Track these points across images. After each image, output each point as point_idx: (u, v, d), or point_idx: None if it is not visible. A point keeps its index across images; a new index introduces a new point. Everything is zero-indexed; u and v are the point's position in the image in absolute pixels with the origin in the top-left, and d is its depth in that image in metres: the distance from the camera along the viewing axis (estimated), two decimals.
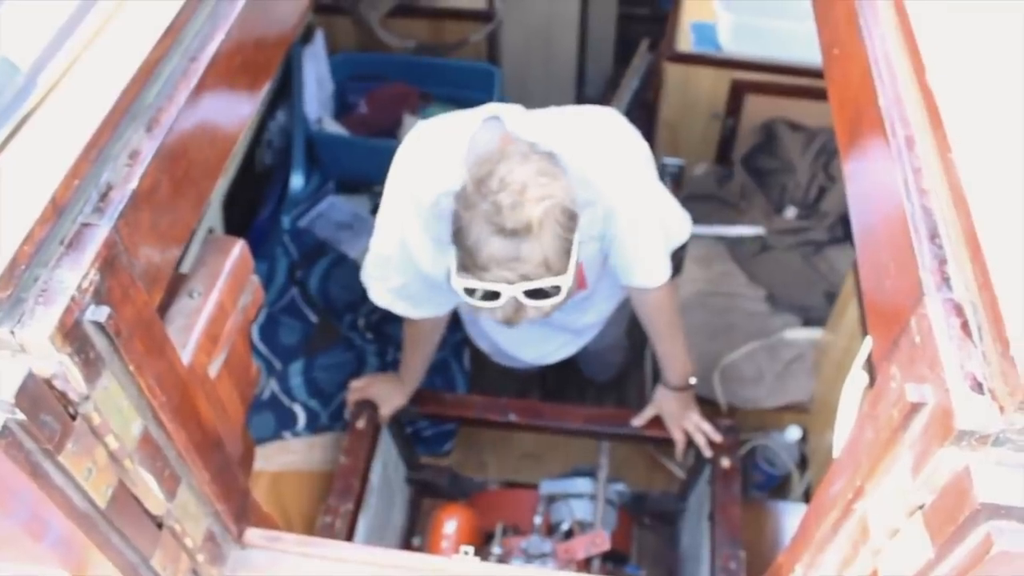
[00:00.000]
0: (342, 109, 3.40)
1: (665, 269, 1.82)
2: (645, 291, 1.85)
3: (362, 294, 2.92)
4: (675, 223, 1.84)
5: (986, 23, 0.91)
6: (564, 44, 3.65)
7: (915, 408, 0.68)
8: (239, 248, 1.14)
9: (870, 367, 1.11)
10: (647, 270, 1.81)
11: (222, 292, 1.10)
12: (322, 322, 2.85)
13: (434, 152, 1.66)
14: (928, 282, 0.72)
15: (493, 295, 1.45)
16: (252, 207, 3.07)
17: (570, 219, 1.45)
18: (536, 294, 1.45)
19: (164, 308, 1.06)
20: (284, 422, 2.53)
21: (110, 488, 0.83)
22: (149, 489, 0.90)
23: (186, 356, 1.01)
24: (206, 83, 1.00)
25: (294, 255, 3.00)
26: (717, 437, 2.03)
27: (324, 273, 2.98)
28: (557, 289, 1.46)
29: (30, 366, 0.72)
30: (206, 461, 1.01)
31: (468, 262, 1.44)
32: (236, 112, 1.10)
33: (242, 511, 1.14)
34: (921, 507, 0.70)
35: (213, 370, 1.08)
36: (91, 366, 0.79)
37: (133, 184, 0.86)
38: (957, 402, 0.64)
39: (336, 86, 3.40)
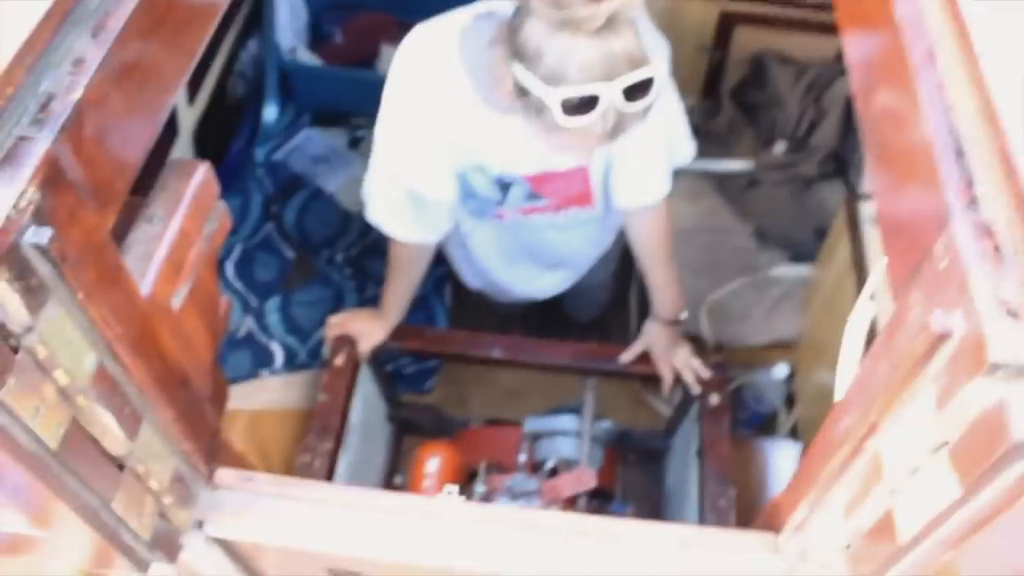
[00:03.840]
0: (317, 39, 3.27)
1: (667, 184, 1.76)
2: (644, 211, 1.79)
3: (340, 228, 2.89)
4: (682, 139, 1.77)
5: None
6: None
7: (941, 338, 0.62)
8: (203, 171, 1.06)
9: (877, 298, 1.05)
10: (650, 184, 1.75)
11: (185, 218, 1.02)
12: (299, 258, 2.78)
13: (430, 49, 1.60)
14: (954, 203, 0.66)
15: (590, 104, 1.33)
16: (224, 140, 2.97)
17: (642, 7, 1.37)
18: (633, 93, 1.33)
19: (122, 236, 0.99)
20: (261, 360, 2.47)
21: (61, 427, 0.76)
22: (107, 428, 0.84)
23: (146, 286, 0.93)
24: None
25: (269, 189, 2.91)
26: (706, 374, 1.99)
27: (300, 207, 2.89)
28: (651, 83, 1.34)
29: None
30: (171, 398, 0.94)
31: (556, 76, 1.33)
32: (196, 22, 1.01)
33: (212, 450, 1.08)
34: (946, 444, 0.64)
35: (177, 301, 1.01)
36: (33, 294, 0.71)
37: (77, 94, 0.77)
38: (990, 331, 0.58)
39: (311, 15, 3.27)
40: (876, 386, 0.74)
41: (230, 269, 2.68)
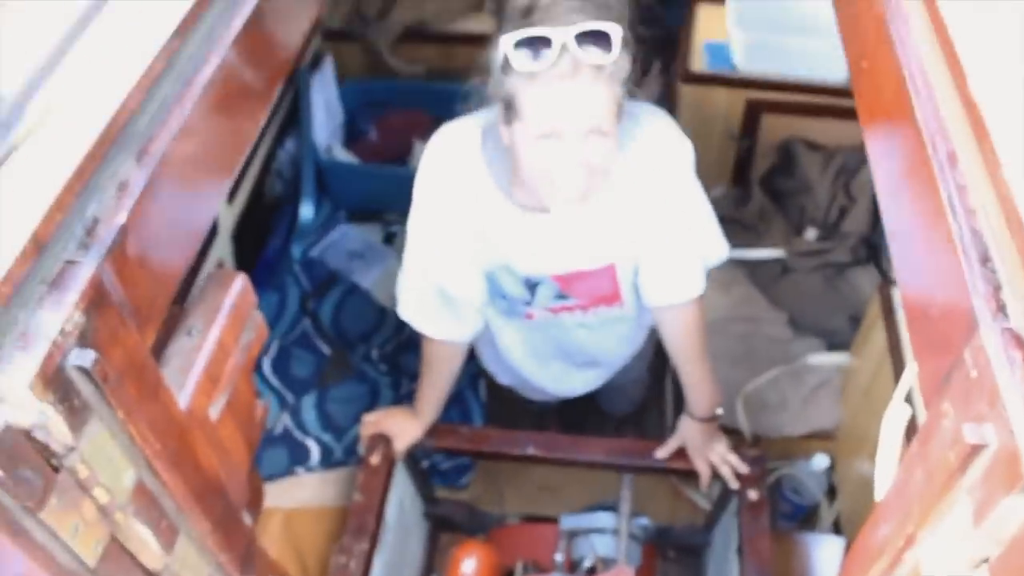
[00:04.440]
0: (352, 137, 3.36)
1: (699, 283, 1.77)
2: (674, 308, 1.80)
3: (375, 324, 2.91)
4: (712, 239, 1.78)
5: None
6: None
7: (975, 451, 0.62)
8: (240, 282, 1.09)
9: (909, 399, 1.04)
10: (681, 283, 1.76)
11: (223, 329, 1.04)
12: (335, 354, 2.80)
13: (455, 147, 1.66)
14: (982, 310, 0.66)
15: (543, 43, 1.39)
16: (262, 238, 3.03)
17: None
18: (590, 41, 1.38)
19: (161, 347, 1.01)
20: (297, 457, 2.48)
21: (100, 544, 0.77)
22: (144, 542, 0.85)
23: (184, 399, 0.95)
24: (201, 109, 0.95)
25: (306, 286, 2.96)
26: (744, 468, 1.96)
27: (337, 304, 2.93)
28: (609, 39, 1.38)
29: (7, 417, 0.67)
30: (207, 509, 0.95)
31: (516, 19, 1.42)
32: (235, 139, 1.05)
33: (247, 560, 1.08)
34: (986, 560, 0.63)
35: (214, 412, 1.03)
36: (76, 415, 0.73)
37: (121, 218, 0.81)
38: None
39: (346, 114, 3.37)
40: (912, 496, 0.73)
41: (267, 366, 2.70)
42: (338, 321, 2.88)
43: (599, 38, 1.39)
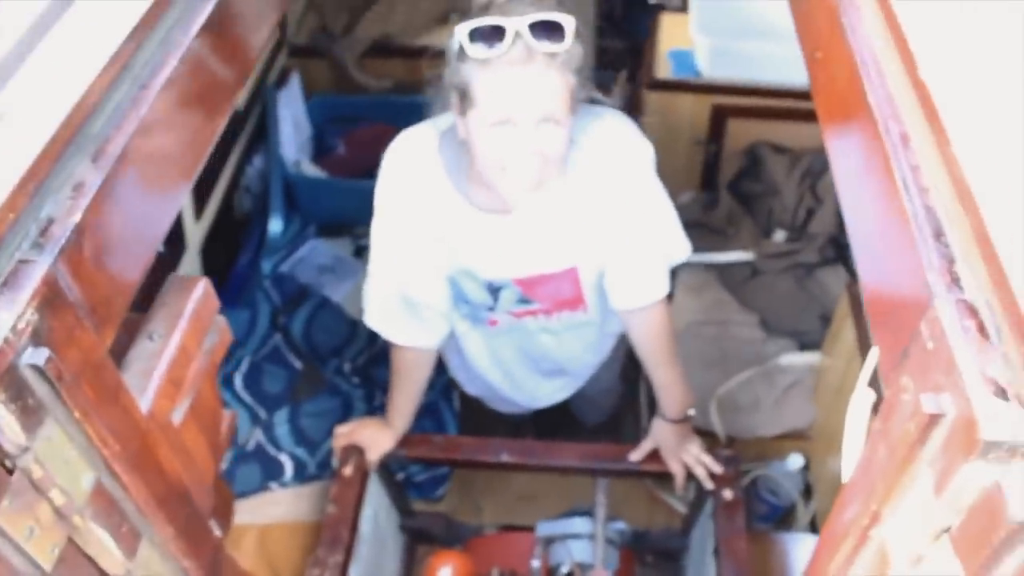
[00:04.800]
0: (320, 152, 3.35)
1: (664, 284, 1.78)
2: (641, 311, 1.80)
3: (347, 338, 2.90)
4: (675, 239, 1.79)
5: (976, 12, 0.87)
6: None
7: (933, 420, 0.62)
8: (202, 287, 1.08)
9: (876, 384, 1.05)
10: (646, 285, 1.76)
11: (184, 333, 1.03)
12: (307, 368, 2.78)
13: (412, 152, 1.68)
14: (937, 283, 0.66)
15: (497, 33, 1.41)
16: (231, 253, 3.01)
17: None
18: (543, 31, 1.41)
19: (123, 353, 1.00)
20: (270, 472, 2.45)
21: (56, 548, 0.76)
22: (104, 547, 0.83)
23: (145, 402, 0.94)
24: (157, 112, 0.94)
25: (276, 301, 2.94)
26: (718, 468, 1.96)
27: (307, 318, 2.91)
28: (562, 29, 1.42)
29: None
30: (170, 515, 0.93)
31: (474, 13, 1.45)
32: (194, 142, 1.04)
33: (215, 568, 1.07)
34: (947, 530, 0.63)
35: (177, 417, 1.01)
36: (30, 415, 0.72)
37: (76, 217, 0.80)
38: (980, 411, 0.58)
39: (314, 129, 3.36)
40: (875, 473, 0.74)
41: (239, 382, 2.68)
42: (309, 335, 2.86)
43: (552, 28, 1.41)
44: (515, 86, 1.44)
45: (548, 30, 1.42)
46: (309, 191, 3.17)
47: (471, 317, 1.88)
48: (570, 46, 1.44)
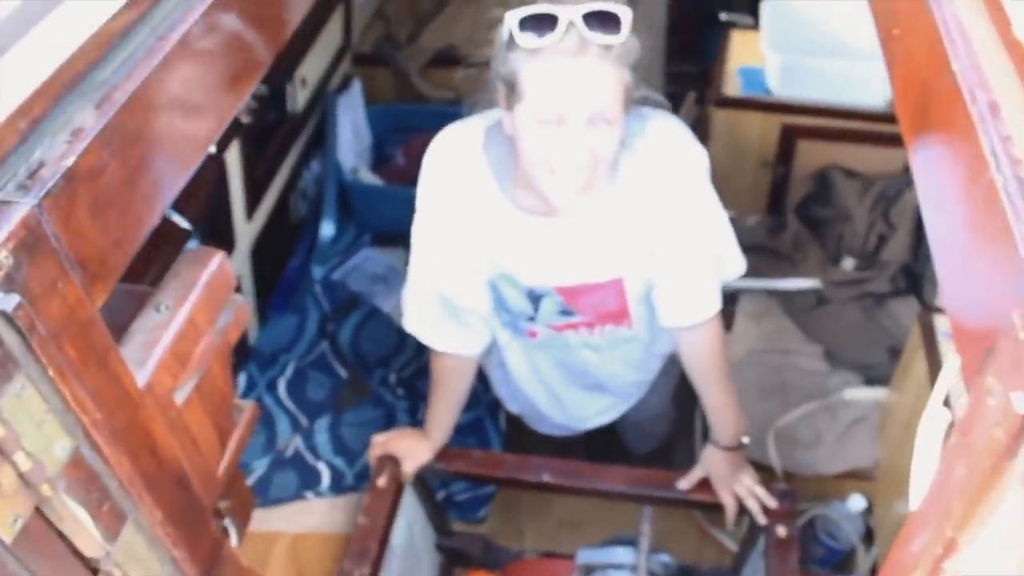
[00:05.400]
0: (379, 161, 3.32)
1: (716, 301, 1.67)
2: (692, 329, 1.69)
3: (395, 349, 2.83)
4: (729, 253, 1.69)
5: None
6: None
7: None
8: (217, 260, 1.01)
9: (949, 407, 0.94)
10: (697, 301, 1.66)
11: (194, 307, 0.96)
12: (352, 377, 2.73)
13: (456, 147, 1.62)
14: None
15: (549, 22, 1.33)
16: (284, 258, 2.99)
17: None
18: (598, 22, 1.33)
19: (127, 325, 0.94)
20: (307, 481, 2.39)
21: (19, 519, 0.69)
22: (81, 525, 0.76)
23: (143, 375, 0.87)
24: (173, 65, 0.88)
25: (326, 308, 2.89)
26: (772, 503, 1.84)
27: (356, 326, 2.86)
28: (618, 20, 1.34)
29: None
30: (159, 498, 0.86)
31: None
32: (211, 106, 0.98)
33: (212, 562, 0.99)
34: None
35: (180, 395, 0.94)
36: None
37: (69, 161, 0.73)
38: None
39: (374, 138, 3.33)
40: (952, 495, 0.63)
41: (282, 388, 2.64)
42: (357, 344, 2.81)
43: (607, 19, 1.34)
44: (566, 79, 1.36)
45: (603, 20, 1.34)
46: (365, 198, 3.13)
47: (511, 327, 1.80)
48: (626, 39, 1.36)
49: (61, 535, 0.75)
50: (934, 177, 0.81)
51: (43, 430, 0.71)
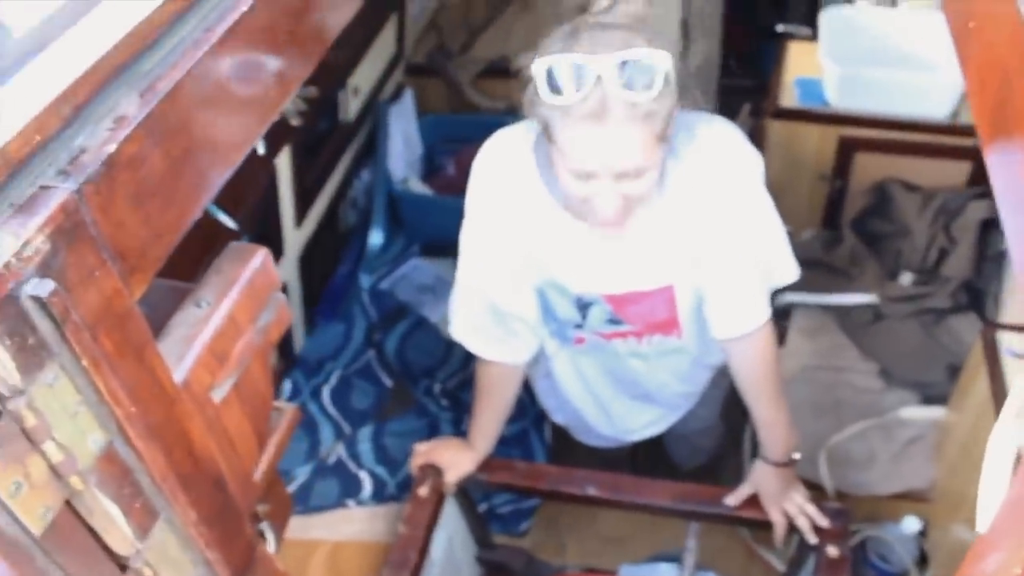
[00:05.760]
0: (430, 171, 3.32)
1: (764, 309, 1.62)
2: (742, 339, 1.65)
3: (441, 359, 2.81)
4: (781, 258, 1.63)
5: None
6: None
7: None
8: (261, 257, 0.99)
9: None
10: (747, 309, 1.61)
11: (236, 304, 0.95)
12: (397, 387, 2.72)
13: (506, 152, 1.58)
14: None
15: (575, 77, 1.26)
16: (332, 266, 2.99)
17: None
18: (629, 75, 1.25)
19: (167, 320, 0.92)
20: (348, 489, 2.38)
21: (49, 512, 0.67)
22: (112, 521, 0.74)
23: (181, 371, 0.85)
24: (220, 56, 0.87)
25: (373, 317, 2.89)
26: (823, 521, 1.78)
27: (403, 336, 2.85)
28: (651, 71, 1.25)
29: None
30: (194, 497, 0.84)
31: (558, 40, 1.32)
32: (258, 101, 0.97)
33: (245, 565, 0.97)
34: None
35: (218, 394, 0.92)
36: (29, 354, 0.64)
37: (111, 148, 0.72)
38: None
39: (425, 148, 3.33)
40: None
41: (327, 395, 2.64)
42: (403, 353, 2.79)
43: (640, 71, 1.26)
44: (591, 141, 1.31)
45: (635, 73, 1.26)
46: (414, 208, 3.12)
47: (559, 335, 1.76)
48: (657, 95, 1.28)
49: (91, 530, 0.73)
50: (1013, 172, 0.77)
51: (76, 422, 0.69)
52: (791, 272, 1.67)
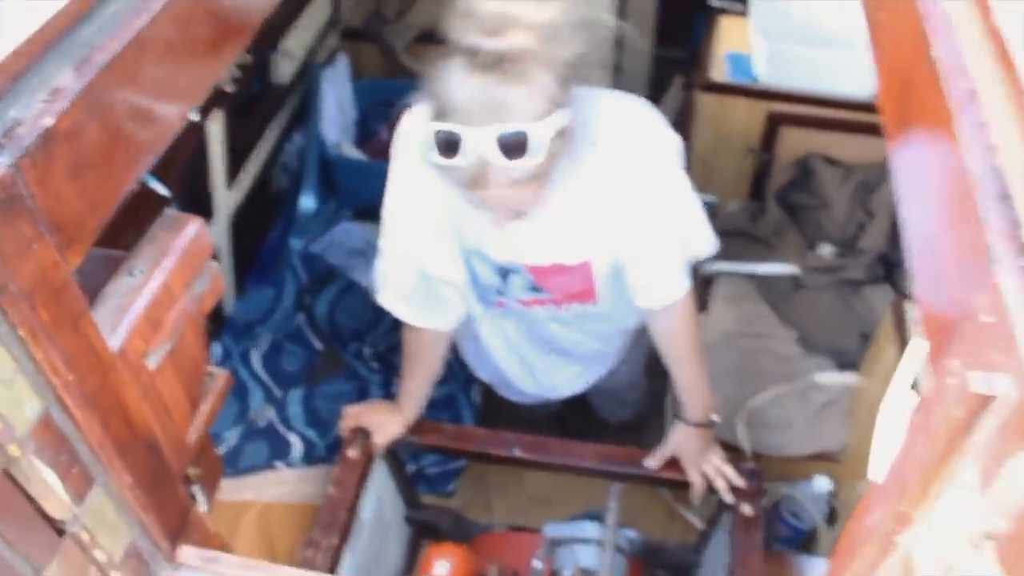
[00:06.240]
0: (364, 136, 3.30)
1: (683, 281, 1.67)
2: (664, 310, 1.70)
3: (370, 323, 2.83)
4: (697, 233, 1.68)
5: None
6: (596, 81, 3.54)
7: (984, 403, 0.53)
8: (195, 226, 1.01)
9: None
10: (667, 282, 1.66)
11: (170, 273, 0.96)
12: (327, 350, 2.73)
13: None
14: (998, 249, 0.57)
15: (454, 145, 1.25)
16: (263, 229, 2.97)
17: (568, 65, 1.28)
18: (509, 147, 1.24)
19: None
20: (278, 451, 2.40)
21: None
22: (48, 486, 0.76)
23: (116, 339, 0.87)
24: (156, 29, 0.87)
25: (303, 280, 2.89)
26: (739, 481, 1.85)
27: (333, 300, 2.86)
28: (525, 141, 1.24)
29: None
30: (131, 463, 0.86)
31: (438, 110, 1.28)
32: (193, 73, 0.97)
33: (179, 527, 0.99)
34: (990, 535, 0.53)
35: (152, 361, 0.94)
36: None
37: (47, 121, 0.73)
38: None
39: (359, 113, 3.31)
40: (909, 471, 0.64)
41: (256, 359, 2.64)
42: (333, 317, 2.80)
43: (516, 145, 1.24)
44: (474, 192, 1.33)
45: (512, 147, 1.25)
46: (347, 173, 3.11)
47: (482, 300, 1.80)
48: (538, 161, 1.28)
49: (28, 497, 0.75)
50: (911, 164, 0.82)
51: (12, 390, 0.71)
52: (709, 244, 1.72)
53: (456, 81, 1.25)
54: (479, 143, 1.24)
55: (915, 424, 0.65)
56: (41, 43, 0.77)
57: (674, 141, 1.58)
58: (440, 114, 1.28)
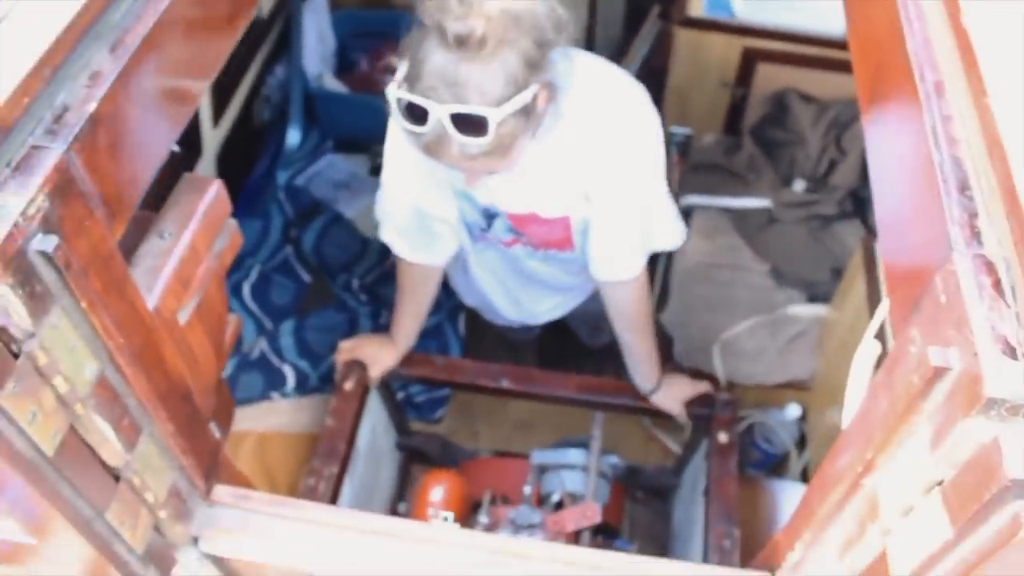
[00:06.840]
0: (344, 67, 3.31)
1: (639, 264, 1.76)
2: (617, 284, 1.80)
3: (358, 255, 2.90)
4: (663, 223, 1.76)
5: None
6: (573, 9, 3.55)
7: (938, 373, 0.62)
8: (215, 188, 1.07)
9: (883, 338, 1.05)
10: (622, 263, 1.75)
11: (195, 234, 1.03)
12: (316, 282, 2.79)
13: None
14: (957, 237, 0.65)
15: (422, 115, 1.31)
16: (248, 162, 3.00)
17: (534, 46, 1.32)
18: (464, 125, 1.30)
19: (132, 249, 1.00)
20: (272, 382, 2.48)
21: (59, 434, 0.77)
22: (105, 438, 0.84)
23: (152, 299, 0.94)
24: (178, 6, 0.93)
25: (289, 213, 2.94)
26: (704, 387, 2.01)
27: (319, 232, 2.91)
28: (479, 122, 1.29)
29: None
30: (171, 412, 0.94)
31: (409, 76, 1.33)
32: (212, 43, 1.03)
33: (212, 467, 1.08)
34: (940, 483, 0.63)
35: (183, 316, 1.02)
36: (37, 301, 0.72)
37: (91, 106, 0.79)
38: (987, 367, 0.57)
39: (338, 43, 3.31)
40: (875, 422, 0.74)
41: (247, 291, 2.70)
42: (320, 249, 2.86)
43: (473, 124, 1.30)
44: (442, 160, 1.38)
45: (467, 126, 1.30)
46: (329, 105, 3.14)
47: (471, 235, 1.88)
48: (492, 140, 1.32)
49: (89, 448, 0.83)
50: (883, 140, 0.90)
51: (75, 355, 0.78)
52: (674, 238, 1.79)
53: (425, 52, 1.29)
54: (439, 117, 1.29)
55: (880, 382, 0.75)
56: (80, 28, 0.82)
57: (655, 120, 1.63)
58: (410, 79, 1.33)
